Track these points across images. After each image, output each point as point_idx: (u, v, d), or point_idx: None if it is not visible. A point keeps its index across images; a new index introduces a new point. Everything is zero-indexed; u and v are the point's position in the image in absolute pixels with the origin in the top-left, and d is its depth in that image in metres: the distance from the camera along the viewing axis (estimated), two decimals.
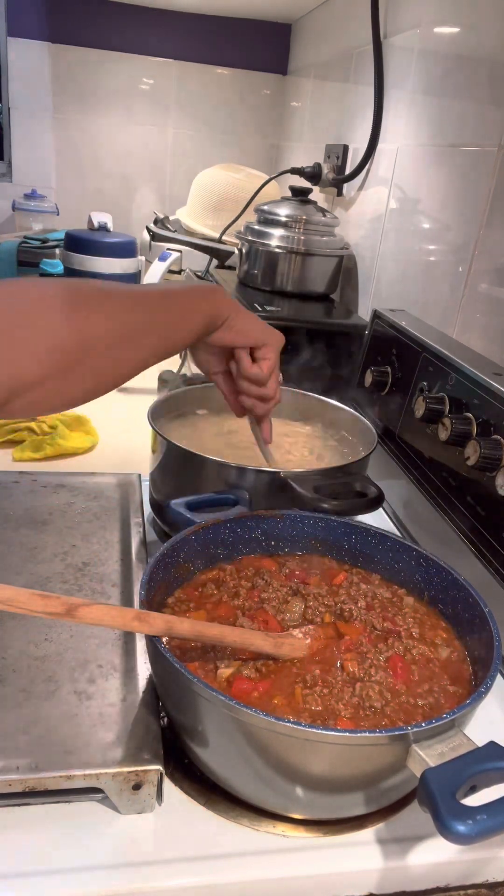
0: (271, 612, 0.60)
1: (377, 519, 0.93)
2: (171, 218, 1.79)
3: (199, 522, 0.65)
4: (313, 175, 1.50)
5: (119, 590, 0.69)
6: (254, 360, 0.70)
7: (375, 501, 0.73)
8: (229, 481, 0.75)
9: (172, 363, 1.40)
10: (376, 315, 1.07)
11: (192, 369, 1.35)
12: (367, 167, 1.33)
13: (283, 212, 1.31)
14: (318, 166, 1.50)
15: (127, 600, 0.67)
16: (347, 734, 0.45)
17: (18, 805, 0.49)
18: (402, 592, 0.66)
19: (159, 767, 0.49)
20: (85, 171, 2.11)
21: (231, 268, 1.50)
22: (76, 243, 1.35)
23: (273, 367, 0.71)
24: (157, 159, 2.15)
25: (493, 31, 0.90)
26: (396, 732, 0.44)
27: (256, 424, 0.77)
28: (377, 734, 0.44)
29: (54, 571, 0.70)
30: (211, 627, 0.53)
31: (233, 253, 1.47)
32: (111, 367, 0.56)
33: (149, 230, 1.71)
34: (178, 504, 0.68)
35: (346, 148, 1.45)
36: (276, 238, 1.30)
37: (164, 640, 0.50)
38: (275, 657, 0.55)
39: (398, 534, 0.81)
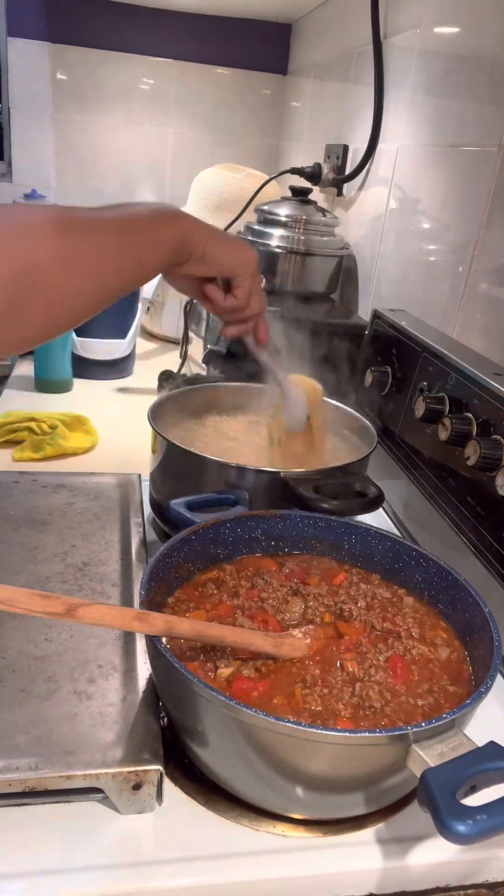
0: (271, 612, 0.60)
1: (377, 519, 0.93)
2: None
3: (199, 522, 0.65)
4: (313, 175, 1.50)
5: (119, 590, 0.69)
6: (230, 286, 0.67)
7: (375, 501, 0.73)
8: (229, 481, 0.75)
9: (173, 363, 1.40)
10: (376, 315, 1.07)
11: (191, 369, 1.35)
12: (367, 167, 1.33)
13: (283, 212, 1.31)
14: (318, 166, 1.50)
15: (127, 600, 0.67)
16: (347, 734, 0.45)
17: (18, 805, 0.49)
18: (402, 592, 0.66)
19: (159, 767, 0.49)
20: (85, 171, 2.11)
21: None
22: None
23: (248, 292, 0.67)
24: (157, 159, 2.15)
25: (493, 31, 0.90)
26: (396, 732, 0.44)
27: (249, 342, 0.75)
28: (377, 734, 0.44)
29: (54, 571, 0.70)
30: (211, 627, 0.53)
31: None
32: (68, 297, 0.52)
33: None
34: (178, 504, 0.68)
35: (346, 148, 1.45)
36: (276, 238, 1.30)
37: (164, 640, 0.50)
38: (275, 657, 0.55)
39: (398, 534, 0.81)
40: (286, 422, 0.82)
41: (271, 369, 0.78)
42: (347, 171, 1.41)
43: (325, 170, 1.49)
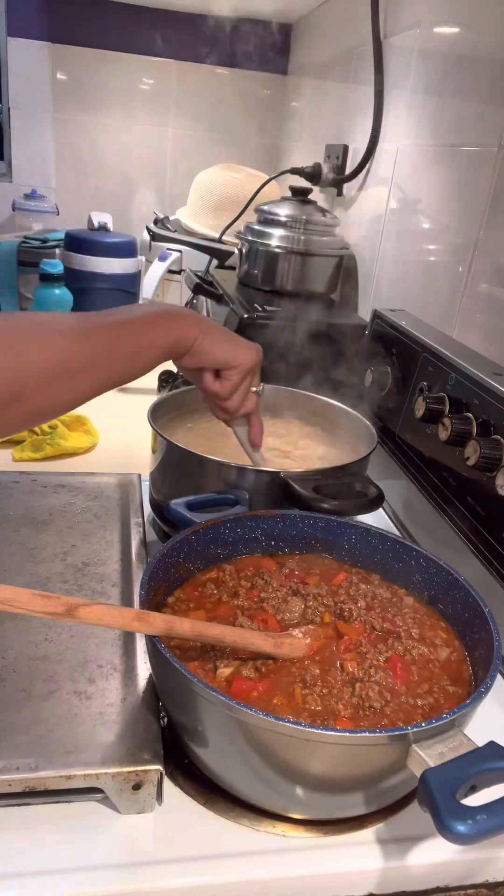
0: (271, 612, 0.60)
1: (377, 519, 0.93)
2: (171, 218, 1.79)
3: (199, 522, 0.65)
4: (313, 175, 1.50)
5: (119, 590, 0.69)
6: (221, 377, 0.70)
7: (375, 501, 0.73)
8: (229, 481, 0.75)
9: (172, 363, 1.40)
10: (376, 315, 1.07)
11: None
12: (367, 167, 1.33)
13: (283, 212, 1.31)
14: (318, 166, 1.50)
15: (127, 600, 0.67)
16: (347, 734, 0.45)
17: (18, 805, 0.49)
18: (402, 592, 0.66)
19: (159, 767, 0.49)
20: (85, 171, 2.11)
21: (231, 268, 1.50)
22: (76, 243, 1.35)
23: (235, 386, 0.70)
24: (157, 159, 2.15)
25: (493, 31, 0.90)
26: (396, 732, 0.44)
27: (240, 430, 0.78)
28: (377, 734, 0.44)
29: (54, 571, 0.70)
30: (211, 627, 0.53)
31: (233, 253, 1.47)
32: (49, 403, 0.55)
33: (149, 230, 1.71)
34: (178, 504, 0.68)
35: (346, 148, 1.45)
36: (276, 238, 1.30)
37: (164, 640, 0.50)
38: (274, 657, 0.55)
39: (398, 534, 0.81)
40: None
41: (248, 453, 0.79)
42: (347, 171, 1.41)
43: (325, 170, 1.49)
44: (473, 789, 0.43)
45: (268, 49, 2.06)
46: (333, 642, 0.58)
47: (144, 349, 0.62)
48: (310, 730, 0.43)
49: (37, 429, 1.07)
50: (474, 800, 0.42)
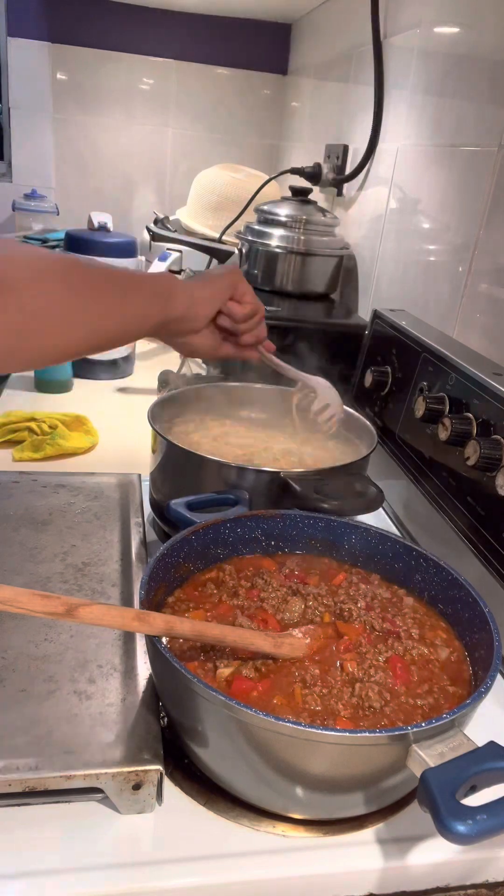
0: (271, 612, 0.60)
1: (377, 519, 0.93)
2: (171, 218, 1.79)
3: (199, 522, 0.65)
4: (313, 175, 1.50)
5: (119, 590, 0.69)
6: (236, 301, 0.72)
7: (375, 501, 0.73)
8: (229, 481, 0.75)
9: (173, 363, 1.40)
10: (376, 315, 1.07)
11: (192, 369, 1.35)
12: (367, 167, 1.33)
13: (283, 212, 1.31)
14: (318, 166, 1.50)
15: (127, 600, 0.67)
16: (348, 734, 0.45)
17: (18, 805, 0.49)
18: (402, 592, 0.66)
19: (159, 767, 0.49)
20: (85, 171, 2.11)
21: None
22: (76, 243, 1.35)
23: (252, 293, 0.72)
24: (157, 159, 2.15)
25: (493, 31, 0.90)
26: (396, 732, 0.44)
27: (265, 352, 0.79)
28: (377, 734, 0.44)
29: (54, 571, 0.70)
30: (211, 627, 0.53)
31: (233, 253, 1.47)
32: (51, 348, 0.55)
33: (149, 230, 1.71)
34: (178, 504, 0.68)
35: (346, 148, 1.45)
36: (276, 238, 1.30)
37: (164, 640, 0.50)
38: (274, 657, 0.55)
39: (398, 534, 0.81)
40: (333, 410, 0.85)
41: (287, 371, 0.82)
42: (347, 171, 1.41)
43: (325, 170, 1.49)
44: (473, 789, 0.43)
45: (268, 49, 2.06)
46: (333, 642, 0.58)
47: (140, 321, 0.63)
48: (310, 730, 0.43)
49: (37, 429, 1.07)
50: (474, 800, 0.42)
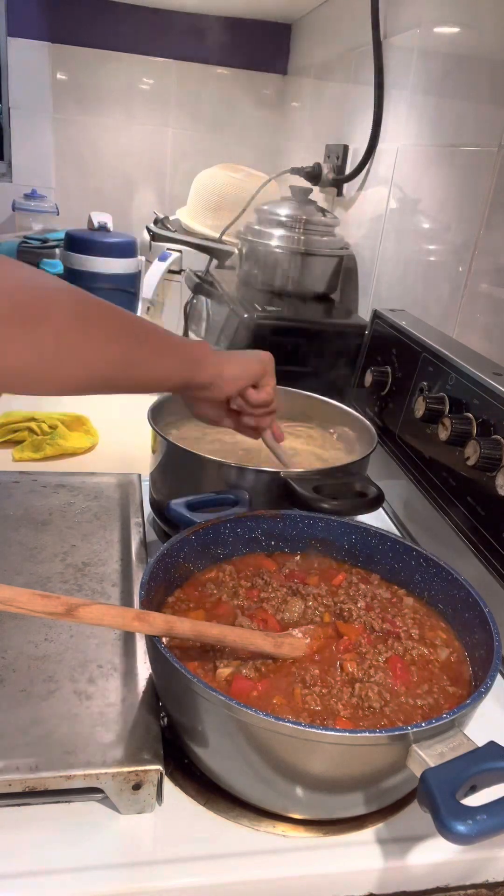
0: (270, 612, 0.60)
1: (377, 519, 0.93)
2: (171, 218, 1.79)
3: (199, 522, 0.65)
4: (313, 175, 1.50)
5: (119, 590, 0.69)
6: (255, 387, 0.73)
7: (375, 501, 0.73)
8: (229, 481, 0.75)
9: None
10: (376, 315, 1.07)
11: None
12: (367, 167, 1.33)
13: (283, 212, 1.31)
14: (318, 166, 1.50)
15: (127, 600, 0.67)
16: (348, 734, 0.45)
17: (18, 805, 0.49)
18: (402, 592, 0.66)
19: (159, 767, 0.49)
20: (85, 171, 2.11)
21: (231, 268, 1.50)
22: (76, 243, 1.35)
23: (274, 386, 0.74)
24: (157, 159, 2.15)
25: (493, 31, 0.90)
26: (396, 732, 0.44)
27: (268, 436, 0.78)
28: (377, 734, 0.44)
29: (54, 571, 0.70)
30: (211, 627, 0.53)
31: (233, 253, 1.47)
32: (72, 383, 0.57)
33: (149, 230, 1.71)
34: (178, 504, 0.68)
35: (346, 148, 1.45)
36: (276, 238, 1.30)
37: (164, 640, 0.50)
38: (275, 657, 0.55)
39: (398, 534, 0.81)
40: None
41: (279, 456, 0.81)
42: (347, 171, 1.41)
43: (325, 170, 1.49)
44: (473, 789, 0.43)
45: (268, 49, 2.06)
46: (333, 642, 0.58)
47: (160, 381, 0.65)
48: (310, 730, 0.43)
49: (37, 429, 1.07)
50: (474, 800, 0.42)
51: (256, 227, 1.33)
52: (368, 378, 1.02)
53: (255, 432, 0.77)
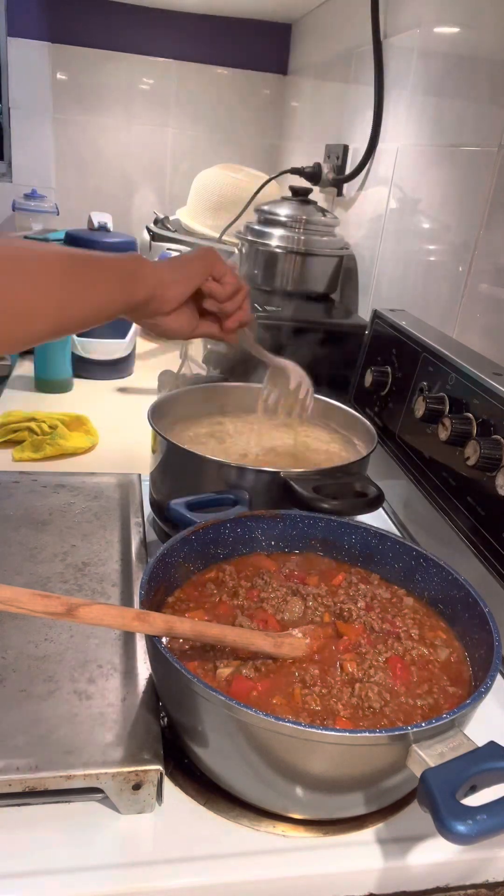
0: (271, 612, 0.60)
1: (377, 519, 0.93)
2: (171, 218, 1.79)
3: (199, 522, 0.65)
4: (313, 175, 1.50)
5: (119, 590, 0.69)
6: (216, 280, 0.69)
7: (375, 501, 0.73)
8: (229, 481, 0.75)
9: (173, 363, 1.40)
10: (376, 315, 1.07)
11: (192, 369, 1.35)
12: (367, 167, 1.33)
13: (283, 212, 1.31)
14: (318, 166, 1.50)
15: (127, 600, 0.67)
16: (348, 734, 0.45)
17: (18, 805, 0.49)
18: (402, 593, 0.66)
19: (159, 767, 0.49)
20: (85, 171, 2.11)
21: None
22: (76, 243, 1.35)
23: (232, 272, 0.70)
24: (157, 159, 2.15)
25: (493, 31, 0.90)
26: (396, 732, 0.44)
27: (247, 338, 0.77)
28: (377, 734, 0.44)
29: (54, 571, 0.70)
30: (211, 627, 0.53)
31: (233, 253, 1.47)
32: (13, 340, 0.54)
33: (149, 230, 1.71)
34: (178, 504, 0.68)
35: (346, 148, 1.45)
36: (276, 238, 1.30)
37: (164, 640, 0.50)
38: (275, 657, 0.55)
39: (398, 534, 0.81)
40: (306, 389, 0.85)
41: (261, 353, 0.80)
42: (347, 171, 1.41)
43: (325, 170, 1.49)
44: (473, 789, 0.43)
45: (268, 49, 2.06)
46: (333, 642, 0.58)
47: (102, 309, 0.60)
48: (310, 730, 0.43)
49: (37, 429, 1.07)
50: (474, 800, 0.41)
51: (256, 227, 1.33)
52: (368, 378, 1.02)
53: (233, 334, 0.74)
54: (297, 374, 0.84)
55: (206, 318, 0.71)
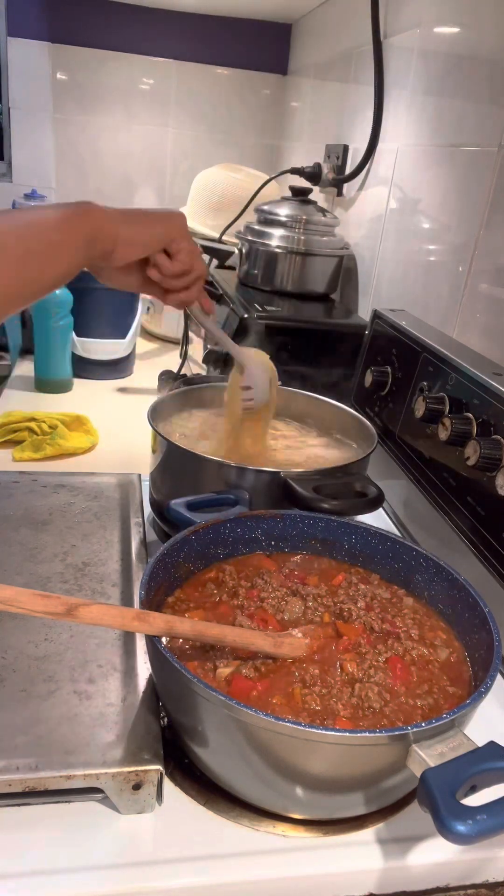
0: (270, 612, 0.60)
1: (377, 519, 0.93)
2: None
3: (199, 522, 0.65)
4: (313, 175, 1.50)
5: (119, 590, 0.69)
6: (168, 254, 0.65)
7: (375, 501, 0.73)
8: (229, 481, 0.75)
9: (173, 363, 1.40)
10: (376, 315, 1.07)
11: (192, 369, 1.35)
12: (367, 167, 1.33)
13: (283, 212, 1.31)
14: (318, 166, 1.50)
15: (127, 600, 0.67)
16: (347, 734, 0.45)
17: (18, 805, 0.49)
18: (402, 593, 0.66)
19: (159, 767, 0.49)
20: (85, 171, 2.11)
21: (231, 268, 1.50)
22: None
23: (189, 252, 0.65)
24: (157, 159, 2.15)
25: (492, 31, 0.90)
26: (396, 732, 0.44)
27: (196, 309, 0.73)
28: (377, 734, 0.44)
29: (54, 571, 0.70)
30: (211, 627, 0.53)
31: (233, 253, 1.47)
32: None
33: None
34: (178, 504, 0.68)
35: (346, 148, 1.45)
36: (276, 238, 1.30)
37: (164, 639, 0.50)
38: (274, 656, 0.55)
39: (398, 534, 0.81)
40: (252, 394, 0.80)
41: (223, 340, 0.77)
42: (347, 171, 1.41)
43: (325, 170, 1.49)
44: (473, 789, 0.43)
45: (268, 49, 2.06)
46: (333, 642, 0.58)
47: (57, 254, 0.55)
48: (310, 730, 0.43)
49: (37, 428, 1.07)
50: (474, 800, 0.42)
51: (256, 227, 1.33)
52: (368, 378, 1.02)
53: (180, 304, 0.70)
54: (250, 375, 0.79)
55: (147, 279, 0.67)
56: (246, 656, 0.54)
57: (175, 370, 1.33)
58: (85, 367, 1.37)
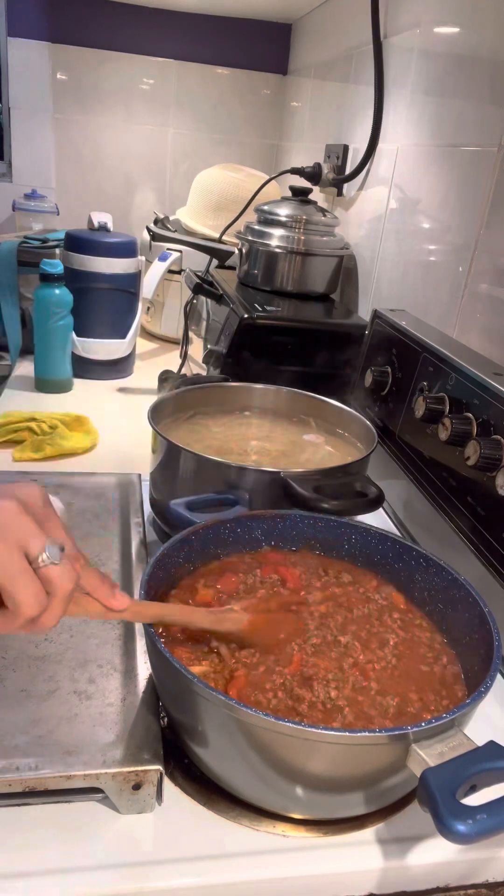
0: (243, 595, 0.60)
1: (377, 519, 0.93)
2: (171, 218, 1.79)
3: (199, 522, 0.65)
4: (313, 175, 1.50)
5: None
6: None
7: (375, 501, 0.73)
8: (229, 481, 0.75)
9: (173, 363, 1.40)
10: (376, 315, 1.07)
11: (192, 369, 1.35)
12: (367, 167, 1.33)
13: (283, 212, 1.31)
14: (318, 166, 1.50)
15: None
16: (347, 734, 0.45)
17: (18, 805, 0.49)
18: (402, 593, 0.66)
19: (159, 767, 0.49)
20: (85, 171, 2.11)
21: (231, 268, 1.50)
22: (76, 243, 1.35)
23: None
24: (157, 159, 2.15)
25: (493, 31, 0.90)
26: (396, 732, 0.44)
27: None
28: (377, 734, 0.44)
29: None
30: (150, 607, 0.52)
31: (233, 253, 1.47)
32: None
33: (149, 230, 1.70)
34: (178, 504, 0.68)
35: (346, 148, 1.44)
36: (276, 238, 1.30)
37: (163, 640, 0.50)
38: (215, 632, 0.55)
39: (398, 534, 0.81)
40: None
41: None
42: (347, 171, 1.41)
43: (325, 170, 1.49)
44: (473, 789, 0.43)
45: (268, 49, 2.06)
46: (333, 643, 0.58)
47: None
48: (310, 729, 0.43)
49: (37, 428, 1.07)
50: (474, 799, 0.42)
51: (256, 227, 1.33)
52: (368, 378, 1.02)
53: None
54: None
55: None
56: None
57: (175, 370, 1.33)
58: (85, 367, 1.37)
